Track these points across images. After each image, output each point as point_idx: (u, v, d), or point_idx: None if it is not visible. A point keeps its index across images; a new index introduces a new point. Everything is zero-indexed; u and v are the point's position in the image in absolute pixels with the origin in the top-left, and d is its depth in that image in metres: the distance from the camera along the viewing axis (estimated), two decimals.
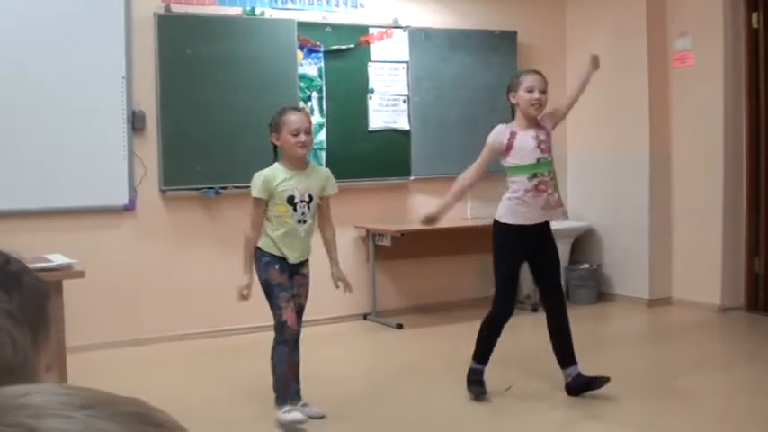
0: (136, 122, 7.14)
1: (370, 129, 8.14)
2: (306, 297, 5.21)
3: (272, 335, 7.43)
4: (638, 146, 8.51)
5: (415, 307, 8.38)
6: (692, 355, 6.72)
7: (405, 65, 8.32)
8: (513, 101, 5.53)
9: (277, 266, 5.05)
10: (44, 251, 4.66)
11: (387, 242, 7.88)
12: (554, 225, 8.74)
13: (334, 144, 7.90)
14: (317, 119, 7.80)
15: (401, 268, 8.38)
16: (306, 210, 5.04)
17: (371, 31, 8.15)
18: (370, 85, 8.13)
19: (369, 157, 8.08)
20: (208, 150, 7.35)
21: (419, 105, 8.38)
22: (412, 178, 8.38)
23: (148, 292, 7.29)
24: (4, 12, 6.72)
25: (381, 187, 8.27)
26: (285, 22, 7.71)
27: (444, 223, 8.32)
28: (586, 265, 8.93)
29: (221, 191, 7.41)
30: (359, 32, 8.08)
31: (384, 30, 8.20)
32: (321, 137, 7.82)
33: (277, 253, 5.05)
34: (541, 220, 5.47)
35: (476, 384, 5.44)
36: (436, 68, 8.47)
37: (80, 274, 4.19)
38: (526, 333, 8.08)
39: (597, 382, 5.41)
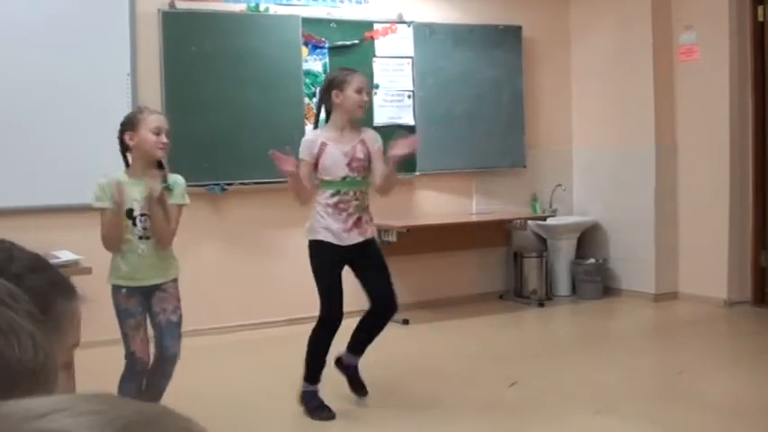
0: None
1: (374, 124, 8.12)
2: (174, 312, 4.70)
3: (276, 331, 7.47)
4: (643, 140, 8.50)
5: (421, 302, 8.37)
6: (697, 350, 6.71)
7: (409, 60, 8.32)
8: (337, 100, 5.13)
9: (124, 291, 4.58)
10: (52, 248, 4.65)
11: (392, 238, 7.87)
12: (560, 219, 8.82)
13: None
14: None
15: (407, 264, 8.36)
16: (148, 224, 4.52)
17: (376, 26, 8.14)
18: (375, 81, 8.12)
19: None
20: (213, 147, 7.35)
21: (424, 101, 8.37)
22: (417, 174, 8.37)
23: None
24: (8, 8, 6.72)
25: None
26: (290, 18, 7.70)
27: (449, 218, 8.37)
28: (592, 260, 8.92)
29: (227, 187, 7.41)
30: (363, 28, 8.08)
31: (388, 25, 8.20)
32: None
33: (123, 282, 4.56)
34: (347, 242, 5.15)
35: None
36: (441, 63, 8.46)
37: (87, 271, 4.19)
38: (531, 327, 8.09)
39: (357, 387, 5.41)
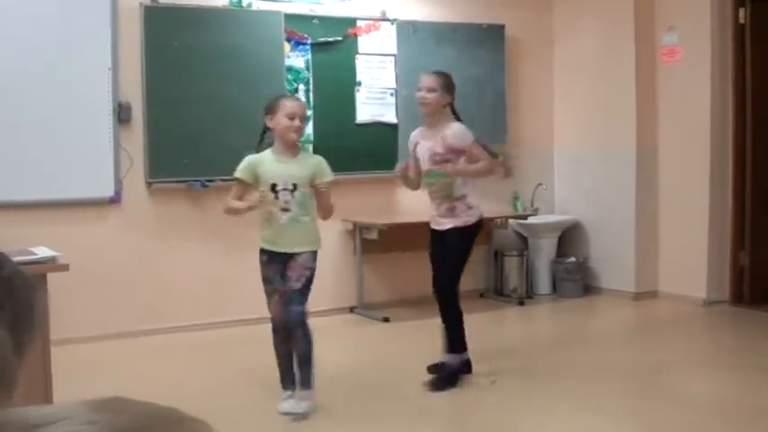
0: (122, 114, 7.11)
1: (357, 122, 8.12)
2: (298, 280, 5.06)
3: (255, 329, 7.45)
4: (624, 140, 8.52)
5: (401, 300, 8.37)
6: (677, 349, 6.73)
7: (392, 58, 8.31)
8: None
9: (265, 258, 5.10)
10: (29, 244, 4.63)
11: (374, 236, 7.87)
12: (541, 218, 8.83)
13: (321, 137, 7.88)
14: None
15: (388, 262, 8.37)
16: (289, 198, 4.97)
17: (359, 23, 8.13)
18: (358, 78, 8.11)
19: (356, 150, 8.06)
20: (194, 142, 7.32)
21: (407, 99, 8.34)
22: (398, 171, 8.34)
23: (134, 285, 7.26)
24: None
25: (368, 180, 8.25)
26: (272, 13, 7.69)
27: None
28: (573, 259, 8.95)
29: (208, 183, 7.38)
30: (346, 25, 8.06)
31: (372, 22, 8.19)
32: (308, 129, 7.79)
33: (265, 246, 5.08)
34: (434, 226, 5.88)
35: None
36: (424, 61, 8.43)
37: (64, 267, 4.16)
38: (511, 326, 8.10)
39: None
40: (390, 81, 8.29)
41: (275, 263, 5.06)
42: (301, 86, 7.82)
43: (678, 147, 8.34)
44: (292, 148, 5.07)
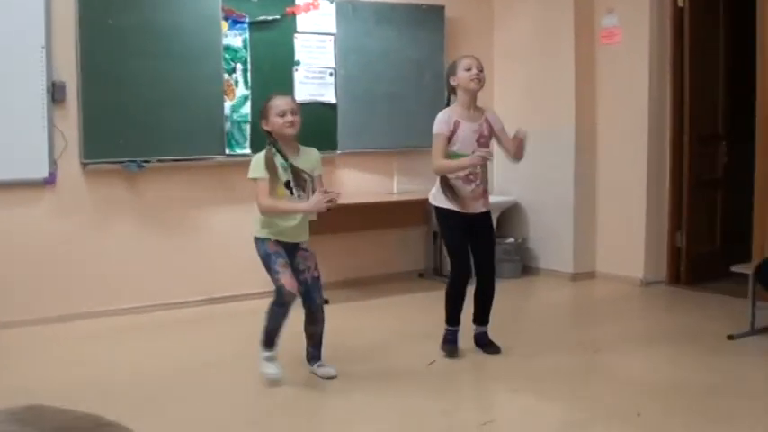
0: (56, 93, 6.96)
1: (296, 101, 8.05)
2: (316, 269, 5.39)
3: (195, 311, 7.39)
4: (563, 121, 8.57)
5: (342, 282, 8.35)
6: (614, 329, 6.79)
7: (332, 37, 8.25)
8: (454, 83, 5.79)
9: (273, 240, 5.22)
10: None
11: (313, 217, 7.81)
12: None
13: (258, 117, 7.78)
14: (241, 91, 7.71)
15: (328, 243, 8.32)
16: (301, 193, 5.21)
17: (297, 2, 8.04)
18: (296, 57, 8.04)
19: None
20: (130, 122, 7.19)
21: (346, 79, 8.31)
22: (338, 152, 8.32)
23: (70, 267, 7.15)
24: None
25: None
26: None
27: (370, 198, 8.35)
28: (511, 240, 8.99)
29: (144, 164, 7.28)
30: (285, 3, 7.97)
31: (311, 1, 8.10)
32: (246, 109, 7.72)
33: (273, 237, 5.23)
34: (471, 210, 5.78)
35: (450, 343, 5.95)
36: (363, 41, 8.41)
37: None
38: None
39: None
40: (329, 61, 8.23)
41: (282, 247, 5.25)
42: (239, 66, 7.73)
43: (617, 128, 8.41)
44: (293, 144, 5.27)
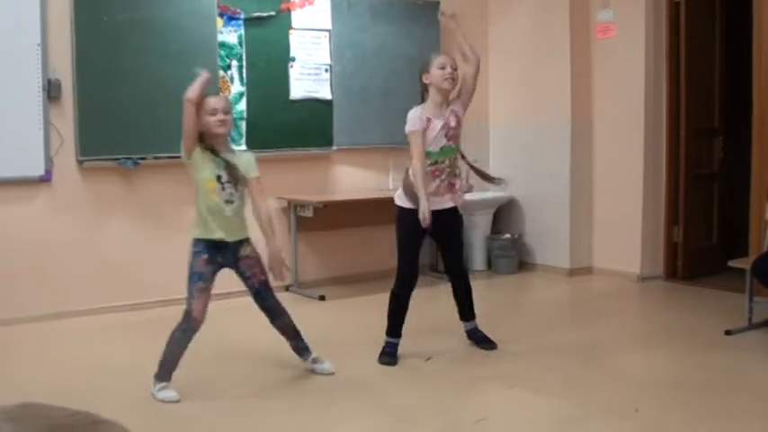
0: (51, 91, 6.94)
1: (291, 98, 8.04)
2: (263, 272, 5.23)
3: None
4: (559, 117, 8.56)
5: (337, 278, 8.35)
6: (611, 324, 6.79)
7: (327, 33, 8.23)
8: (427, 81, 5.66)
9: (205, 256, 5.05)
10: None
11: (309, 213, 7.82)
12: (476, 195, 8.82)
13: (254, 113, 7.79)
14: (237, 88, 7.69)
15: (323, 240, 8.33)
16: (233, 191, 5.05)
17: None
18: (292, 54, 8.03)
19: (290, 126, 7.99)
20: (126, 120, 7.18)
21: (341, 75, 8.30)
22: (334, 148, 8.31)
23: (66, 265, 7.14)
24: None
25: (303, 157, 8.20)
26: None
27: (366, 194, 8.34)
28: (507, 235, 8.99)
29: (140, 161, 7.27)
30: (280, 0, 7.96)
31: None
32: (241, 106, 7.71)
33: (206, 236, 5.06)
34: (435, 207, 5.53)
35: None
36: (358, 38, 8.40)
37: None
38: (446, 302, 8.11)
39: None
40: (325, 57, 8.22)
41: (217, 260, 5.12)
42: (234, 62, 7.71)
43: (612, 123, 8.40)
44: (225, 144, 5.13)
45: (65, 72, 7.01)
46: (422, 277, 8.57)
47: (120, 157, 7.20)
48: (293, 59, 8.03)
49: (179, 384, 5.06)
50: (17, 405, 0.72)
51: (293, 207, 8.01)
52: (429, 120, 5.58)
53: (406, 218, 5.60)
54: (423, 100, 5.76)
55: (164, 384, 5.05)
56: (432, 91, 5.64)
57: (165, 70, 7.29)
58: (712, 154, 8.44)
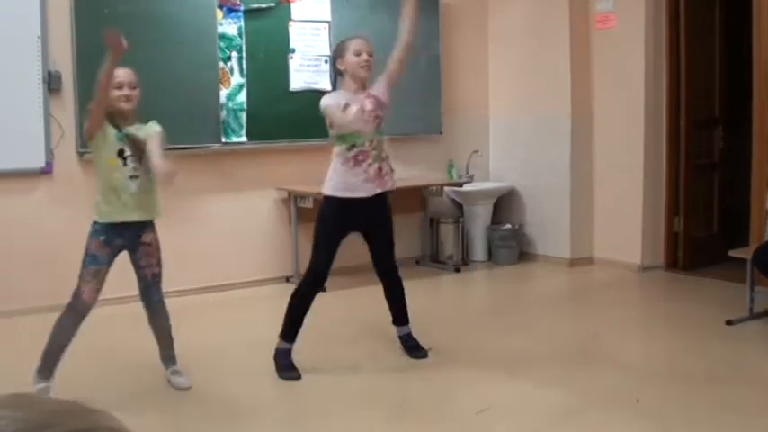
0: (52, 83, 6.94)
1: (291, 89, 8.03)
2: (159, 265, 5.13)
3: (192, 299, 7.36)
4: (559, 107, 8.55)
5: (337, 269, 8.31)
6: (612, 314, 6.79)
7: (326, 24, 8.22)
8: (341, 67, 5.31)
9: (101, 238, 4.87)
10: None
11: (309, 204, 7.81)
12: (476, 185, 8.82)
13: (254, 105, 7.78)
14: (237, 79, 7.69)
15: None
16: (137, 164, 4.82)
17: None
18: (291, 45, 8.02)
19: (290, 117, 7.98)
20: None
21: None
22: None
23: (66, 257, 7.10)
24: None
25: (303, 148, 8.18)
26: None
27: None
28: (508, 226, 8.99)
29: None
30: None
31: None
32: (241, 97, 7.71)
33: (108, 220, 4.87)
34: (359, 194, 5.30)
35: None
36: (358, 28, 8.35)
37: None
38: (447, 293, 8.11)
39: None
40: (324, 48, 8.20)
41: (114, 243, 4.93)
42: (234, 54, 7.70)
43: (613, 113, 8.40)
44: (131, 119, 4.88)
45: (65, 64, 7.00)
46: (423, 268, 8.63)
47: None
48: (293, 51, 8.02)
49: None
50: (8, 395, 0.73)
51: (293, 198, 8.01)
52: (347, 104, 5.14)
53: (331, 207, 5.36)
54: (334, 87, 5.53)
55: (45, 385, 4.77)
56: (346, 78, 5.30)
57: (166, 62, 7.29)
58: (712, 144, 8.44)
